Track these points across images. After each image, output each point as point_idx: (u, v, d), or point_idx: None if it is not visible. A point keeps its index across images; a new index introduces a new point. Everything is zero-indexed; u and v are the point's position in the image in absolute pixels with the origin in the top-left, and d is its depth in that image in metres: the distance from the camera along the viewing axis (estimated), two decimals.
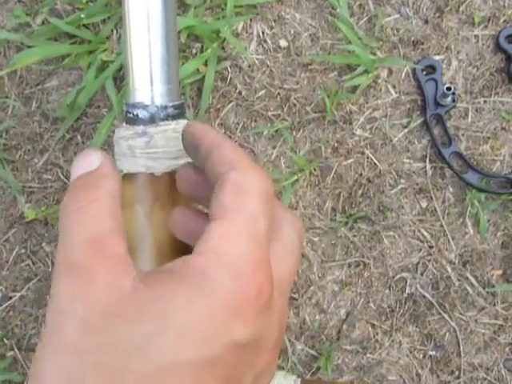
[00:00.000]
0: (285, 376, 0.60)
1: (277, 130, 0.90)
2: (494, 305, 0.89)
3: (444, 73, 0.90)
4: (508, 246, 0.90)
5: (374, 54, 0.89)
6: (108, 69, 0.87)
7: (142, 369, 0.24)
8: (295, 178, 0.89)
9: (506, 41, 0.89)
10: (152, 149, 0.38)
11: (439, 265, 0.90)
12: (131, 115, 0.39)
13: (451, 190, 0.90)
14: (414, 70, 0.90)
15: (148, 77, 0.40)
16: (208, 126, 0.34)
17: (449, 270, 0.90)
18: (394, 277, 0.90)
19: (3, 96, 0.91)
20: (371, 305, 0.90)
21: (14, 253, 0.91)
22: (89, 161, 0.31)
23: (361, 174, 0.90)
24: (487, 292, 0.90)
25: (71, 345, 0.25)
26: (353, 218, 0.89)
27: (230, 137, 0.90)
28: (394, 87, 0.90)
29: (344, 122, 0.90)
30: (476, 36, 0.91)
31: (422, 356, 0.90)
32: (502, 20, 0.90)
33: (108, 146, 0.88)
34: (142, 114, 0.39)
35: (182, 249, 0.37)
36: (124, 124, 0.40)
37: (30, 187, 0.91)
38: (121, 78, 0.89)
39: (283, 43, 0.90)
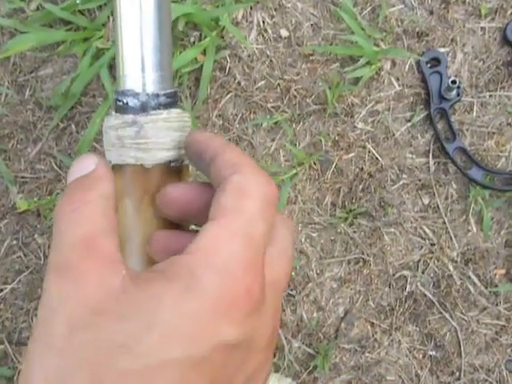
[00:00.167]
0: (279, 379, 0.59)
1: (276, 122, 0.89)
2: (497, 305, 0.89)
3: (449, 66, 0.90)
4: None
5: (378, 45, 0.89)
6: (103, 56, 0.86)
7: (128, 366, 0.25)
8: (294, 171, 0.89)
9: None
10: (142, 139, 0.36)
11: (441, 263, 0.90)
12: (121, 103, 0.38)
13: (454, 186, 0.90)
14: (418, 63, 0.89)
15: (139, 63, 0.38)
16: (212, 134, 0.35)
17: (451, 268, 0.90)
18: (394, 274, 0.90)
19: None
20: (370, 303, 0.90)
21: (6, 244, 0.91)
22: (84, 165, 0.32)
23: (362, 169, 0.89)
24: (490, 291, 0.89)
25: (59, 343, 0.26)
26: (353, 214, 0.89)
27: (228, 128, 0.90)
28: (397, 80, 0.90)
29: (345, 115, 0.89)
30: (482, 28, 0.90)
31: (421, 356, 0.90)
32: (509, 12, 0.90)
33: (102, 136, 0.87)
34: (133, 102, 0.37)
35: None
36: (113, 112, 0.39)
37: (22, 177, 0.91)
38: None
39: (284, 33, 0.90)
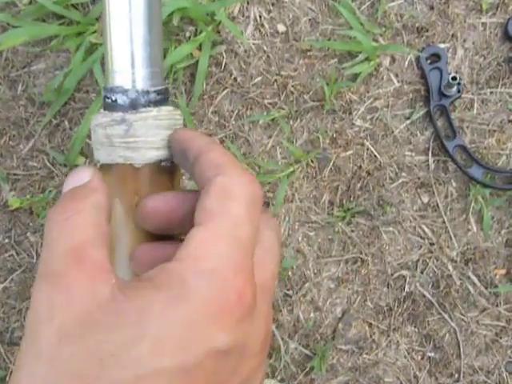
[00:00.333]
0: None
1: (273, 119, 0.88)
2: (497, 305, 0.89)
3: (449, 62, 0.89)
4: None
5: (377, 40, 0.88)
6: (97, 51, 0.85)
7: (119, 376, 0.25)
8: (291, 169, 0.88)
9: None
10: (131, 138, 0.36)
11: (440, 263, 0.89)
12: (109, 100, 0.37)
13: (454, 184, 0.89)
14: (417, 59, 0.89)
15: (129, 58, 0.37)
16: (197, 132, 0.35)
17: (450, 268, 0.89)
18: (392, 274, 0.90)
19: None
20: (368, 303, 0.90)
21: None
22: (80, 176, 0.32)
23: (360, 167, 0.89)
24: (490, 292, 0.89)
25: (47, 353, 0.26)
26: (351, 213, 0.89)
27: (224, 125, 0.89)
28: (396, 76, 0.89)
29: (343, 112, 0.89)
30: (483, 24, 0.89)
31: (420, 357, 0.90)
32: (510, 7, 0.89)
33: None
34: (122, 99, 0.37)
35: None
36: (102, 110, 0.38)
37: (14, 174, 0.90)
38: None
39: (281, 28, 0.89)
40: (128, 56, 0.37)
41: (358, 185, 0.89)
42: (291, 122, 0.89)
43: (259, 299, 0.29)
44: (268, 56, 0.88)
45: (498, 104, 0.89)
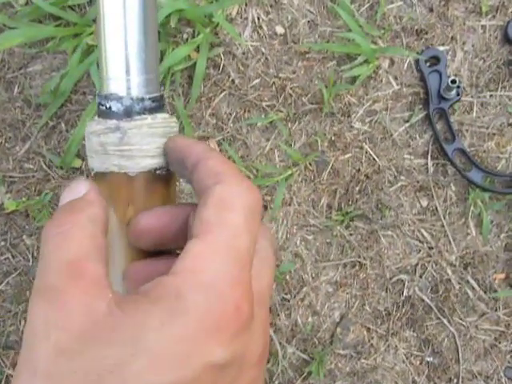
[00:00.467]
0: None
1: (271, 122, 0.88)
2: (496, 310, 0.89)
3: (448, 64, 0.89)
4: None
5: (375, 43, 0.87)
6: (94, 53, 0.85)
7: None
8: (289, 172, 0.88)
9: None
10: (126, 146, 0.35)
11: (439, 267, 0.89)
12: (104, 108, 0.37)
13: (453, 188, 0.89)
14: (417, 61, 0.88)
15: (123, 65, 0.36)
16: (193, 139, 0.35)
17: (449, 272, 0.89)
18: (391, 278, 0.90)
19: None
20: (367, 307, 0.90)
21: None
22: (76, 189, 0.32)
23: (358, 170, 0.89)
24: (489, 297, 0.89)
25: (44, 369, 0.26)
26: (349, 216, 0.88)
27: (222, 128, 0.88)
28: (395, 79, 0.89)
29: (342, 115, 0.88)
30: (483, 26, 0.89)
31: (418, 362, 0.90)
32: (510, 10, 0.88)
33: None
34: (116, 106, 0.36)
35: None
36: (96, 117, 0.38)
37: (10, 177, 0.89)
38: None
39: (280, 30, 0.88)
40: (123, 62, 0.36)
41: (357, 188, 0.89)
42: (289, 125, 0.88)
43: (257, 309, 0.29)
44: (266, 58, 0.88)
45: (498, 107, 0.89)
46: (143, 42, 0.37)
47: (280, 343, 0.89)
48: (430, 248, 0.89)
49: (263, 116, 0.88)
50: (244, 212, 0.29)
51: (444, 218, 0.89)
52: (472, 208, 0.88)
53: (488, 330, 0.89)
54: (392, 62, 0.89)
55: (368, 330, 0.90)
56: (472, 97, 0.89)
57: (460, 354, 0.89)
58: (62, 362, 0.26)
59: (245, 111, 0.88)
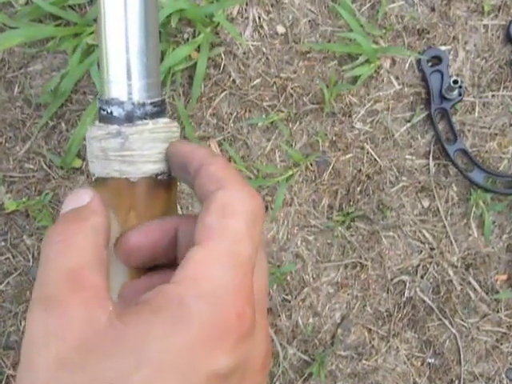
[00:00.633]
0: None
1: (272, 122, 0.88)
2: (498, 311, 0.89)
3: (450, 64, 0.89)
4: None
5: (377, 42, 0.87)
6: (94, 53, 0.85)
7: None
8: (290, 172, 0.88)
9: None
10: (127, 151, 0.35)
11: (440, 268, 0.89)
12: (105, 113, 0.36)
13: (455, 189, 0.89)
14: (418, 61, 0.88)
15: (125, 69, 0.36)
16: (196, 144, 0.34)
17: (451, 273, 0.89)
18: (392, 279, 0.90)
19: None
20: (368, 308, 0.90)
21: None
22: (79, 198, 0.32)
23: (360, 170, 0.88)
24: (490, 298, 0.89)
25: (44, 381, 0.25)
26: (350, 217, 0.88)
27: (223, 128, 0.88)
28: (397, 78, 0.89)
29: (343, 115, 0.88)
30: (485, 26, 0.89)
31: (420, 364, 0.90)
32: None
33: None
34: (117, 111, 0.36)
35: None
36: (97, 122, 0.37)
37: (10, 177, 0.89)
38: None
39: (280, 29, 0.88)
40: (124, 66, 0.36)
41: (358, 189, 0.88)
42: (290, 125, 0.88)
43: (257, 316, 0.29)
44: (267, 58, 0.88)
45: (500, 107, 0.88)
46: (144, 46, 0.36)
47: (281, 344, 0.89)
48: (432, 249, 0.89)
49: (264, 116, 0.88)
50: (246, 218, 0.29)
51: (446, 218, 0.89)
52: (474, 209, 0.88)
53: (490, 331, 0.89)
54: (393, 62, 0.89)
55: (369, 331, 0.90)
56: (474, 97, 0.89)
57: (461, 356, 0.89)
58: (63, 375, 0.25)
59: (245, 111, 0.88)
